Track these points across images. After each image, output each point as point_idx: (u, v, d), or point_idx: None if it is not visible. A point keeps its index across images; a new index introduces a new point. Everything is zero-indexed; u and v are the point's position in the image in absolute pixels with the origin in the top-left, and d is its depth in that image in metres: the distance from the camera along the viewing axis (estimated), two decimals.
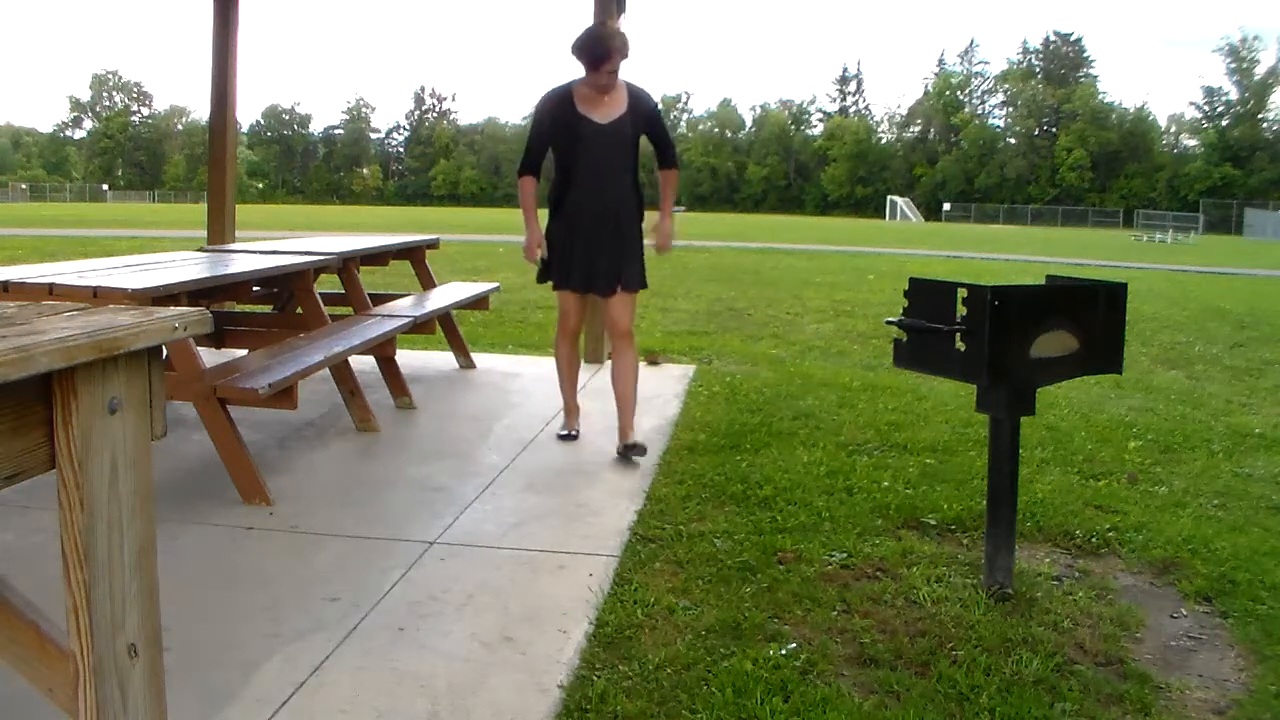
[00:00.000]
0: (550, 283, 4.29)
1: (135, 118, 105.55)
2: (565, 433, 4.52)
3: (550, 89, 4.15)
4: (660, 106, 4.34)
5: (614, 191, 4.11)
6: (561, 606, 2.69)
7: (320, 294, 4.83)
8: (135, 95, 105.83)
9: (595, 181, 4.10)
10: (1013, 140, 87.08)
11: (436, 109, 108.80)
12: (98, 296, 3.21)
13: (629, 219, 4.15)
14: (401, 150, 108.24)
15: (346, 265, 5.09)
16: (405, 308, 5.32)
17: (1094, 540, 3.31)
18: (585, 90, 4.06)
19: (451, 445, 4.39)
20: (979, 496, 3.58)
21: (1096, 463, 4.35)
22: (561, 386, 4.57)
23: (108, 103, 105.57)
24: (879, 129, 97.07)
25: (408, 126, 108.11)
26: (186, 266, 4.22)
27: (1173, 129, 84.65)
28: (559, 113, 4.07)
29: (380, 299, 5.44)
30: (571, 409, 4.59)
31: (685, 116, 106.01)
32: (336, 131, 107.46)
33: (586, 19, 6.18)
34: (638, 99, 4.12)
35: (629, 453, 4.10)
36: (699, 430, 4.68)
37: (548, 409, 5.03)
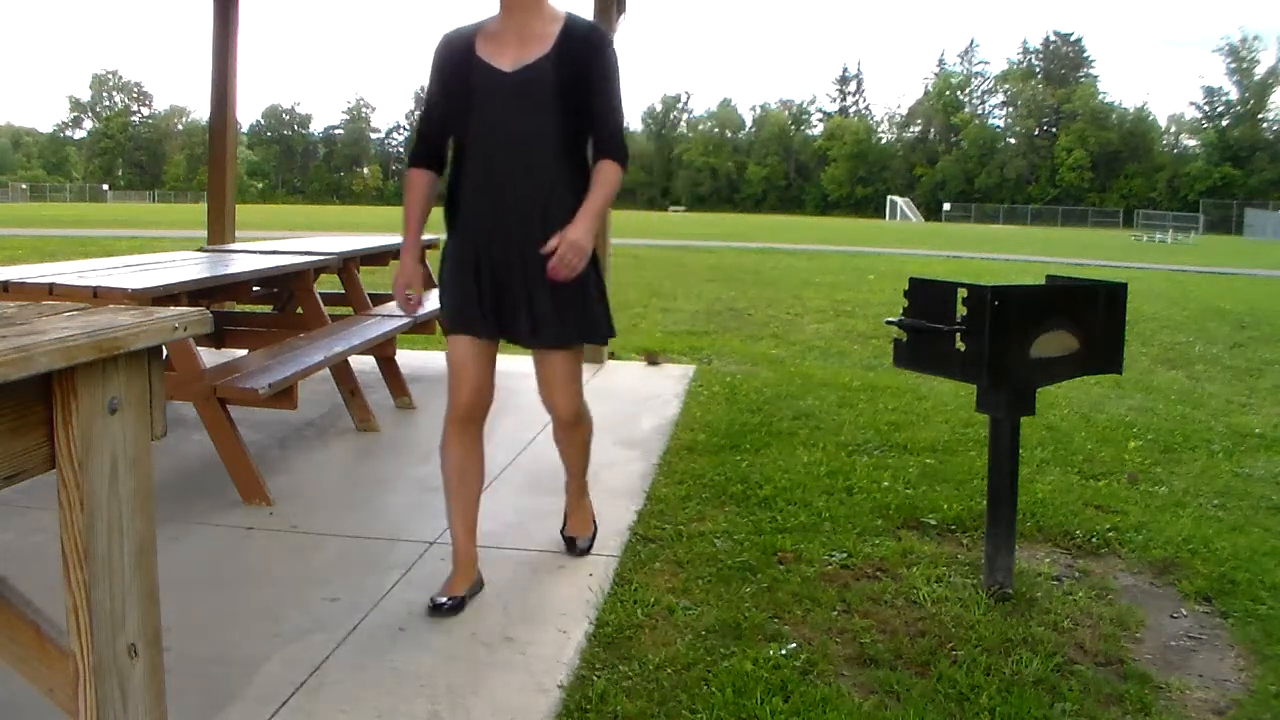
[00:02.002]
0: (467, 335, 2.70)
1: (135, 118, 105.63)
2: (442, 600, 2.61)
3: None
4: (614, 49, 2.68)
5: (530, 176, 2.57)
6: (561, 606, 2.69)
7: (320, 294, 4.83)
8: (135, 95, 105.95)
9: (497, 160, 2.57)
10: (1013, 140, 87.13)
11: None
12: (98, 296, 3.21)
13: (564, 220, 2.53)
14: (401, 150, 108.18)
15: (346, 265, 5.09)
16: None
17: (1094, 540, 3.31)
18: (493, 26, 2.63)
19: None
20: (979, 496, 3.58)
21: (1096, 463, 4.35)
22: (448, 517, 2.75)
23: (108, 103, 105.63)
24: (879, 129, 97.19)
25: (408, 126, 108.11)
26: (186, 266, 4.22)
27: (1173, 129, 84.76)
28: (450, 59, 2.64)
29: (380, 299, 5.44)
30: (462, 560, 2.72)
31: (685, 116, 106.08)
32: (336, 131, 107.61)
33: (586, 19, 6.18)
34: (573, 33, 2.60)
35: (570, 546, 3.09)
36: (699, 430, 4.68)
37: None
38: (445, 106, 2.64)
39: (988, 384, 2.73)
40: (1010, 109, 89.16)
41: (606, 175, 2.62)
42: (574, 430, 2.88)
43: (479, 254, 2.62)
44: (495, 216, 2.60)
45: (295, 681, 2.21)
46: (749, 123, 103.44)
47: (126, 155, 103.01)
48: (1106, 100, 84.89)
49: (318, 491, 3.71)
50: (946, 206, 77.64)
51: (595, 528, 3.14)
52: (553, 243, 2.48)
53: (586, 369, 6.47)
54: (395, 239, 6.40)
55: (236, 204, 6.81)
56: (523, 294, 2.60)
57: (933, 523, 3.43)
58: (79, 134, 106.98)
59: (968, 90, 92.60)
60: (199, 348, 3.88)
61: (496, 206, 2.59)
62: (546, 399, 2.78)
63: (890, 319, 2.91)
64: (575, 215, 2.53)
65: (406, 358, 5.47)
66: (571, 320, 2.64)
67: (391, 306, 5.31)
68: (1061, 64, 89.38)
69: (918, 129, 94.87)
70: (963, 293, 2.71)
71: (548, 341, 2.65)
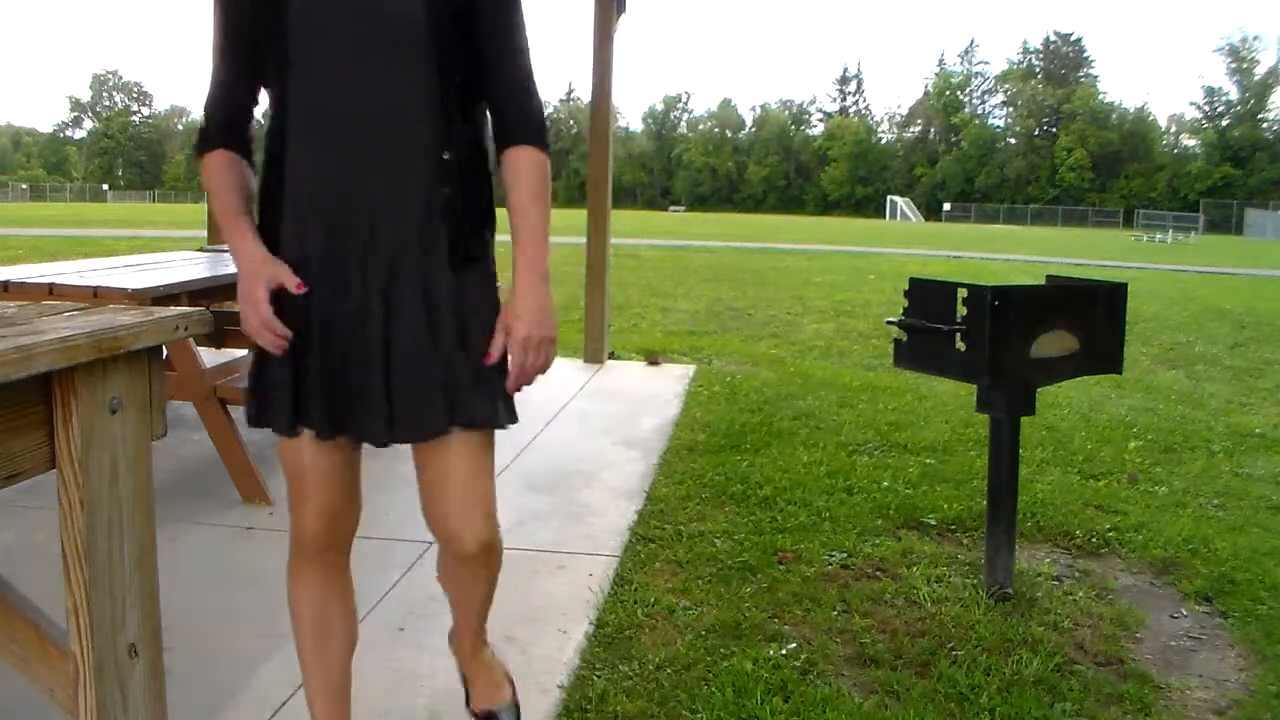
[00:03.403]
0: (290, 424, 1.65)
1: (135, 118, 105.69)
2: None
3: None
4: None
5: (395, 173, 1.56)
6: (561, 606, 2.69)
7: None
8: (135, 95, 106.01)
9: (335, 145, 1.55)
10: (1013, 140, 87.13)
11: None
12: (98, 296, 3.21)
13: (442, 238, 1.58)
14: None
15: None
16: None
17: (1094, 540, 3.31)
18: None
19: None
20: (979, 496, 3.58)
21: (1096, 463, 4.35)
22: (305, 686, 1.83)
23: (108, 103, 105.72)
24: (879, 129, 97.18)
25: None
26: (187, 266, 4.22)
27: (1173, 129, 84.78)
28: None
29: None
30: None
31: (685, 116, 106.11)
32: None
33: (586, 19, 6.19)
34: None
35: None
36: (699, 430, 4.68)
37: (548, 409, 5.03)
38: (238, 56, 1.57)
39: (988, 384, 2.73)
40: (1010, 109, 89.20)
41: (532, 175, 1.58)
42: (480, 565, 1.74)
43: (309, 301, 1.54)
44: (332, 222, 1.53)
45: (295, 682, 2.20)
46: (749, 123, 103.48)
47: (126, 155, 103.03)
48: (1106, 100, 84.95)
49: None
50: (946, 206, 77.67)
51: (513, 686, 1.98)
52: (497, 342, 1.56)
53: (586, 370, 6.53)
54: None
55: None
56: (379, 364, 1.54)
57: (933, 523, 3.43)
58: (79, 134, 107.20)
59: (968, 90, 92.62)
60: (199, 348, 3.88)
61: (337, 209, 1.53)
62: (438, 521, 1.71)
63: (890, 319, 2.91)
64: (516, 272, 1.57)
65: None
66: (483, 393, 1.59)
67: None
68: (1061, 64, 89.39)
69: (918, 129, 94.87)
70: (963, 293, 2.71)
71: (437, 428, 1.58)
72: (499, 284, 1.68)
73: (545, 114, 1.65)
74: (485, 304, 1.61)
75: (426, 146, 1.55)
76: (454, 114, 1.56)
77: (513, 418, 1.63)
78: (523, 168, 1.59)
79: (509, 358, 1.58)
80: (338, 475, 1.68)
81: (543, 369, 1.61)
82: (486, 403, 1.59)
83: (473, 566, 1.74)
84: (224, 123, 1.61)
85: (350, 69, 1.51)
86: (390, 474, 3.96)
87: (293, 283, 1.54)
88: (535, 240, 1.58)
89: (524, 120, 1.61)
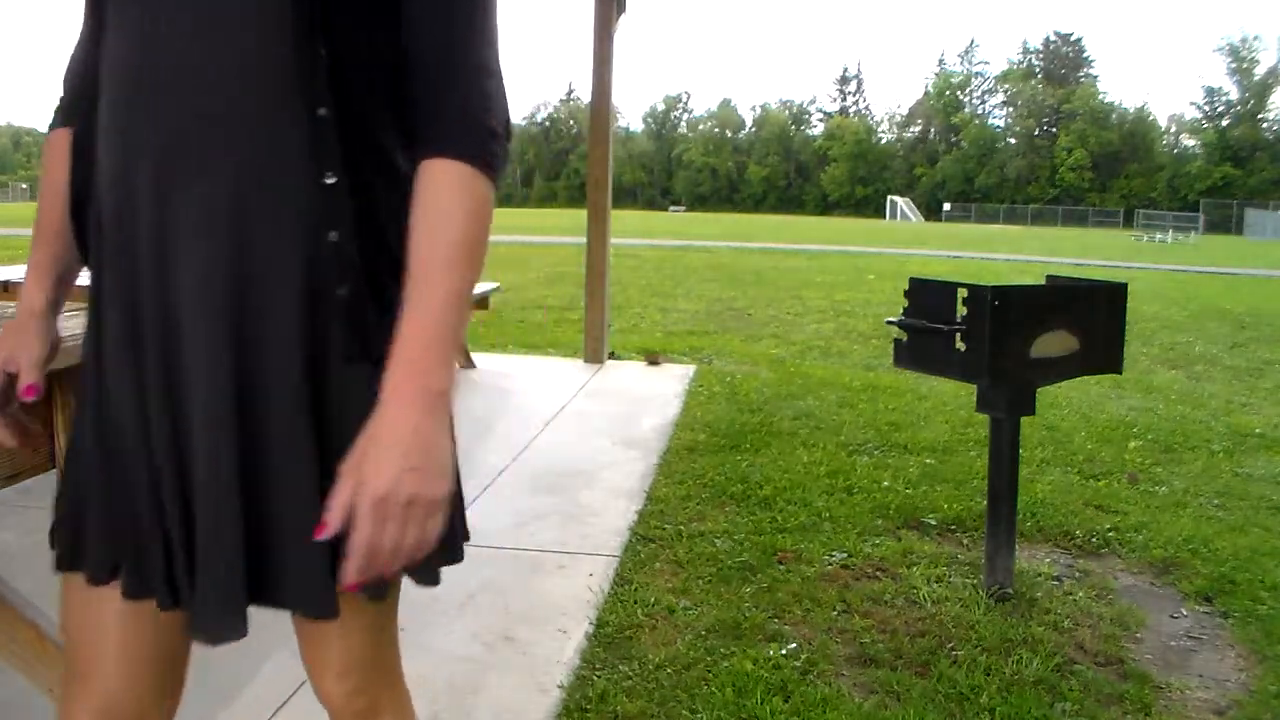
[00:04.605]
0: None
1: None
2: None
3: None
4: None
5: (226, 187, 0.92)
6: (561, 606, 2.69)
7: None
8: None
9: (144, 143, 0.93)
10: (1013, 140, 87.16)
11: None
12: None
13: (295, 279, 0.94)
14: None
15: None
16: None
17: (1094, 540, 3.31)
18: None
19: None
20: (979, 496, 3.58)
21: (1096, 463, 4.35)
22: None
23: None
24: (879, 129, 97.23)
25: None
26: None
27: (1173, 129, 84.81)
28: None
29: None
30: None
31: (686, 116, 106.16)
32: None
33: (587, 19, 6.19)
34: None
35: None
36: (699, 430, 4.68)
37: (548, 409, 5.03)
38: (91, 6, 1.05)
39: (988, 384, 2.73)
40: (1010, 109, 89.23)
41: (448, 208, 0.94)
42: None
43: (105, 373, 1.00)
44: (139, 283, 0.96)
45: (295, 682, 2.21)
46: (749, 123, 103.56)
47: None
48: (1106, 100, 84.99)
49: None
50: (946, 206, 77.70)
51: None
52: (335, 503, 0.89)
53: (586, 369, 6.55)
54: None
55: None
56: (163, 451, 0.97)
57: (933, 523, 3.43)
58: None
59: (968, 90, 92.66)
60: None
61: (139, 258, 0.96)
62: (324, 694, 1.16)
63: (891, 319, 2.91)
64: (386, 382, 0.91)
65: None
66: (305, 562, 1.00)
67: None
68: (1061, 64, 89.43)
69: (918, 129, 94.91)
70: (963, 293, 2.71)
71: (309, 606, 1.03)
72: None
73: (505, 118, 0.99)
74: (357, 388, 0.96)
75: (273, 157, 0.92)
76: (344, 107, 0.93)
77: (375, 588, 1.01)
78: (436, 186, 0.93)
79: (353, 529, 0.88)
80: (129, 641, 1.05)
81: (413, 551, 0.90)
82: (310, 585, 0.98)
83: None
84: (76, 93, 1.06)
85: (165, 31, 0.93)
86: None
87: (22, 384, 1.04)
88: (428, 324, 0.91)
89: (447, 112, 0.95)
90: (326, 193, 0.93)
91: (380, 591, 1.05)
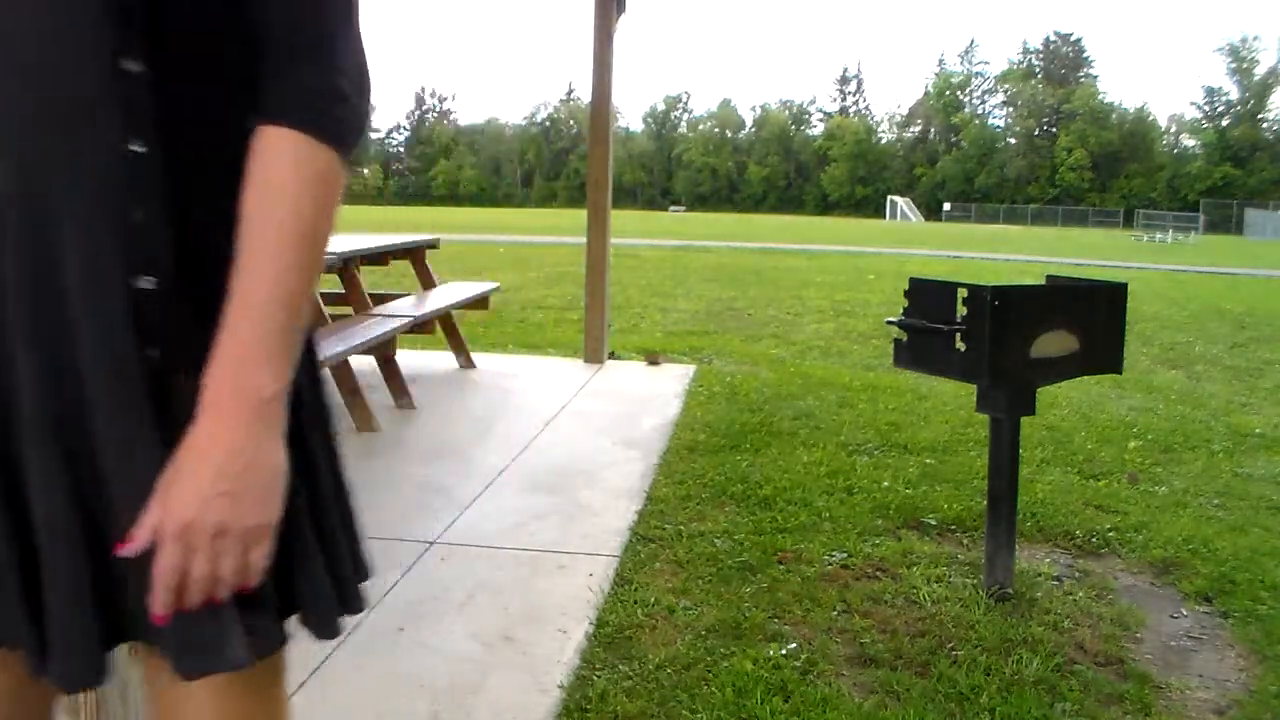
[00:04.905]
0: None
1: None
2: None
3: None
4: None
5: (37, 176, 0.79)
6: (561, 606, 2.69)
7: (320, 294, 4.83)
8: None
9: None
10: (1013, 140, 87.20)
11: (436, 109, 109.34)
12: None
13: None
14: (402, 150, 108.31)
15: (347, 265, 5.09)
16: (405, 308, 5.32)
17: (1094, 540, 3.31)
18: None
19: (451, 445, 4.39)
20: (979, 496, 3.58)
21: (1096, 463, 4.35)
22: None
23: None
24: (879, 129, 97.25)
25: (408, 126, 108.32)
26: None
27: (1173, 129, 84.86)
28: None
29: (380, 299, 5.44)
30: None
31: (686, 116, 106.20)
32: None
33: (587, 19, 6.19)
34: None
35: None
36: (699, 430, 4.68)
37: (548, 409, 5.03)
38: None
39: (988, 384, 2.73)
40: (1010, 109, 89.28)
41: (284, 180, 0.82)
42: None
43: None
44: None
45: (295, 682, 2.21)
46: (749, 123, 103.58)
47: None
48: (1106, 100, 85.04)
49: None
50: (946, 206, 77.71)
51: None
52: (142, 530, 0.79)
53: (586, 369, 6.56)
54: (396, 239, 6.42)
55: None
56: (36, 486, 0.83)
57: (933, 523, 3.43)
58: None
59: (968, 90, 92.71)
60: None
61: None
62: None
63: (890, 319, 2.91)
64: (205, 392, 0.79)
65: (406, 358, 5.47)
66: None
67: (392, 307, 5.30)
68: (1061, 64, 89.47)
69: (918, 129, 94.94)
70: (963, 293, 2.71)
71: (186, 662, 0.86)
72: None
73: (358, 77, 0.86)
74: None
75: (88, 134, 0.80)
76: (165, 76, 0.80)
77: (246, 654, 0.91)
78: (265, 164, 0.82)
79: (156, 557, 0.79)
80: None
81: (235, 582, 0.82)
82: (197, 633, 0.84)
83: None
84: None
85: None
86: (393, 474, 3.97)
87: None
88: (254, 318, 0.80)
89: (288, 72, 0.83)
90: (133, 164, 0.79)
91: (239, 654, 0.87)
